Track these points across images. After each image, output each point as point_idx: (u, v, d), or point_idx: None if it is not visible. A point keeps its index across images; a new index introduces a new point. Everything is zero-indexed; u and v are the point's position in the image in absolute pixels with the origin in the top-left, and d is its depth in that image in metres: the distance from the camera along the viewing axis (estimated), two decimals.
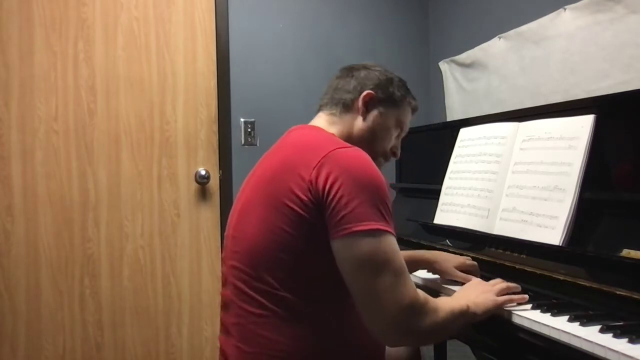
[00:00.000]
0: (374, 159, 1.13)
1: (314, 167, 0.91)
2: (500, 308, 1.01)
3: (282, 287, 0.94)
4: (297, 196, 0.91)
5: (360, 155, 0.95)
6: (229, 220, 1.10)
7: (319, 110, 1.17)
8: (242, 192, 1.09)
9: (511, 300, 1.02)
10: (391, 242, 0.90)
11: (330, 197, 0.89)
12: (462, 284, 1.16)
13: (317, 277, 0.95)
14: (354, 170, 0.91)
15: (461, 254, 1.37)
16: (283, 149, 1.04)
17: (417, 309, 0.88)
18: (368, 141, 1.13)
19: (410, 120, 1.22)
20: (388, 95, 1.15)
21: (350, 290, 0.91)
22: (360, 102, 1.12)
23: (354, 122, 1.13)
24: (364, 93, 1.13)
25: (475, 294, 1.02)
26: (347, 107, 1.13)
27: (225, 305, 1.04)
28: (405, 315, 0.87)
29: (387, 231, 0.89)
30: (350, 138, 1.11)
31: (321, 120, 1.15)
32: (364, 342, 1.00)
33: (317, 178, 0.90)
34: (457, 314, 0.94)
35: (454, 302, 0.97)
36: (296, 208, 0.91)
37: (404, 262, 0.90)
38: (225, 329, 1.03)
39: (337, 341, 0.97)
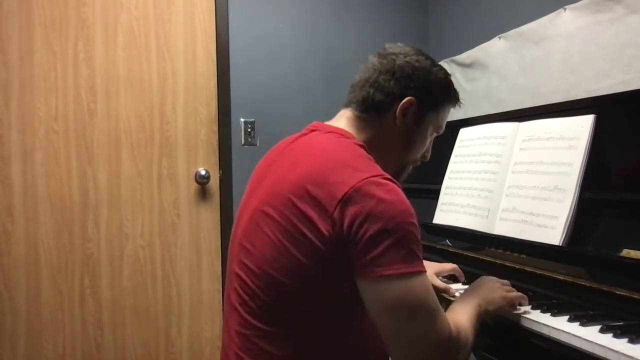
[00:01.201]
0: (405, 166, 1.08)
1: (340, 200, 0.83)
2: (510, 304, 1.01)
3: (287, 307, 0.91)
4: (317, 228, 0.85)
5: (392, 190, 0.86)
6: (236, 220, 1.04)
7: (346, 106, 1.05)
8: (251, 194, 1.01)
9: (519, 298, 1.02)
10: (423, 282, 0.85)
11: (358, 237, 0.82)
12: (468, 283, 1.16)
13: (324, 303, 0.91)
14: (386, 209, 0.83)
15: (461, 254, 1.38)
16: (303, 159, 0.94)
17: (453, 346, 0.86)
18: (402, 149, 1.05)
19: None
20: (431, 100, 1.03)
21: (379, 330, 0.87)
22: (398, 110, 1.00)
23: (387, 128, 1.02)
24: (405, 100, 1.00)
25: (484, 291, 1.02)
26: (381, 111, 1.01)
27: (230, 307, 1.00)
28: (441, 356, 0.85)
29: (418, 272, 0.84)
30: (381, 146, 1.01)
31: (349, 122, 1.03)
32: (372, 359, 0.98)
33: (342, 215, 0.83)
34: (475, 320, 0.94)
35: (469, 307, 0.96)
36: (314, 240, 0.85)
37: (436, 298, 0.87)
38: (228, 331, 1.00)
39: (344, 358, 0.95)
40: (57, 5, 2.09)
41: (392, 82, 1.00)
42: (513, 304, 1.02)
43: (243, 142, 2.37)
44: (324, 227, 0.84)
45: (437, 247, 1.50)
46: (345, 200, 0.83)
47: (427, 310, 0.84)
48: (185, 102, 2.28)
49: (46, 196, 2.08)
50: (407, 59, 1.02)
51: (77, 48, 2.13)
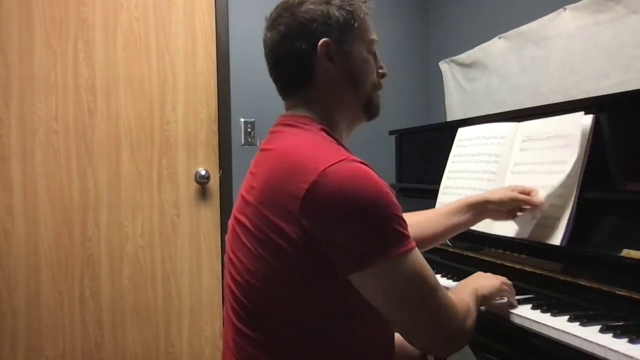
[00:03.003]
0: (370, 98, 1.00)
1: (302, 200, 0.79)
2: (503, 289, 1.02)
3: (277, 317, 0.88)
4: (286, 234, 0.81)
5: (352, 172, 0.80)
6: (228, 225, 1.02)
7: (286, 96, 1.01)
8: (236, 202, 0.99)
9: (512, 292, 1.04)
10: (415, 258, 0.82)
11: (330, 233, 0.79)
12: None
13: (308, 308, 0.87)
14: (352, 196, 0.78)
15: (461, 254, 1.37)
16: (270, 160, 0.91)
17: (460, 313, 0.86)
18: (355, 87, 0.97)
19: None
20: (341, 27, 0.94)
21: (388, 318, 0.86)
22: (321, 60, 0.93)
23: (327, 82, 0.95)
24: (319, 48, 0.92)
25: (475, 279, 1.03)
26: (309, 74, 0.94)
27: (226, 315, 0.99)
28: (455, 328, 0.85)
29: (406, 251, 0.80)
30: (335, 101, 0.96)
31: (300, 105, 0.97)
32: None
33: (307, 214, 0.79)
34: (474, 300, 0.94)
35: (467, 290, 0.97)
36: (286, 246, 0.82)
37: (433, 273, 0.85)
38: (226, 340, 1.00)
39: None
40: (57, 5, 2.10)
41: (295, 43, 0.93)
42: (505, 285, 1.03)
43: (243, 142, 2.37)
44: (292, 231, 0.81)
45: (437, 247, 1.49)
46: (307, 199, 0.79)
47: (427, 284, 0.82)
48: (185, 102, 2.28)
49: (46, 196, 2.08)
50: (290, 11, 0.94)
51: (77, 48, 2.13)
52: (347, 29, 0.94)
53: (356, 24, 0.95)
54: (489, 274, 1.06)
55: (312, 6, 0.93)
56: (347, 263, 0.81)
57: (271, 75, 1.01)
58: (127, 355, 2.19)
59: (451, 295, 0.88)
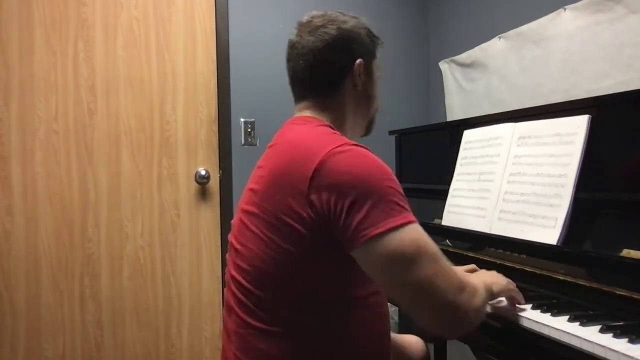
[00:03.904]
0: (373, 118, 1.14)
1: (310, 179, 0.85)
2: (511, 288, 1.01)
3: (283, 304, 0.91)
4: (297, 213, 0.86)
5: (356, 154, 0.88)
6: (232, 224, 1.06)
7: (301, 99, 1.07)
8: (242, 197, 1.03)
9: (518, 295, 1.02)
10: (415, 229, 0.84)
11: (337, 210, 0.83)
12: None
13: (318, 292, 0.91)
14: (355, 172, 0.85)
15: (462, 254, 1.37)
16: (277, 152, 0.98)
17: (466, 288, 0.84)
18: (368, 106, 1.10)
19: None
20: (369, 51, 1.08)
21: (392, 295, 0.87)
22: (355, 76, 1.04)
23: (349, 97, 1.05)
24: (356, 65, 1.04)
25: (488, 274, 1.02)
26: (338, 85, 1.04)
27: (227, 309, 1.01)
28: (458, 298, 0.82)
29: (408, 222, 0.83)
30: (349, 114, 1.06)
31: (311, 110, 1.05)
32: (367, 353, 0.97)
33: (317, 192, 0.85)
34: (485, 291, 0.91)
35: (478, 279, 0.94)
36: (297, 226, 0.86)
37: (435, 245, 0.85)
38: (227, 332, 1.02)
39: (339, 354, 0.94)
40: (57, 5, 2.10)
41: (336, 55, 1.03)
42: (515, 291, 1.02)
43: (243, 142, 2.37)
44: (303, 210, 0.86)
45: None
46: (315, 178, 0.85)
47: (428, 254, 0.82)
48: (185, 102, 2.28)
49: (46, 196, 2.08)
50: (337, 25, 1.04)
51: (77, 48, 2.13)
52: (372, 56, 1.09)
53: (376, 50, 1.10)
54: (493, 272, 1.05)
55: (355, 28, 1.06)
56: (349, 238, 0.83)
57: (295, 75, 1.07)
58: (127, 355, 2.19)
59: (461, 273, 0.87)
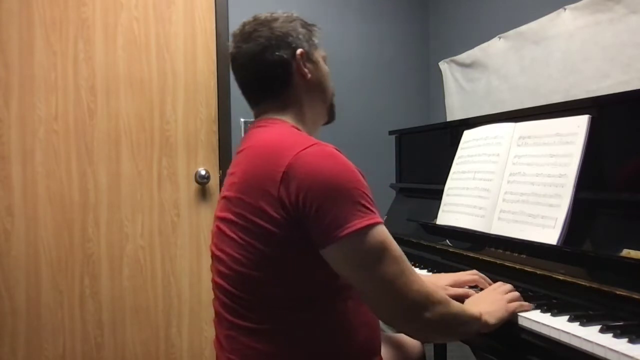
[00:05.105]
0: (332, 103, 1.15)
1: (280, 181, 0.87)
2: (512, 310, 0.99)
3: (268, 303, 0.93)
4: (269, 214, 0.88)
5: (324, 154, 0.89)
6: (212, 233, 1.07)
7: (257, 104, 1.09)
8: (218, 206, 1.05)
9: (522, 308, 1.00)
10: (381, 231, 0.87)
11: (307, 211, 0.86)
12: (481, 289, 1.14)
13: (301, 288, 0.93)
14: (323, 174, 0.86)
15: (461, 254, 1.37)
16: (247, 157, 0.98)
17: (427, 296, 0.87)
18: (322, 92, 1.11)
19: None
20: (307, 39, 1.09)
21: (357, 290, 0.89)
22: (299, 67, 1.05)
23: (302, 88, 1.07)
24: (297, 55, 1.05)
25: (487, 303, 1.00)
26: (287, 80, 1.05)
27: (217, 316, 1.03)
28: (415, 302, 0.86)
29: (374, 224, 0.86)
30: (307, 105, 1.08)
31: (272, 111, 1.07)
32: (358, 345, 0.98)
33: (286, 193, 0.87)
34: (469, 316, 0.93)
35: (467, 307, 0.96)
36: (270, 227, 0.89)
37: (399, 248, 0.89)
38: (218, 339, 1.03)
39: (330, 347, 0.95)
40: (57, 5, 2.10)
41: (276, 54, 1.04)
42: (517, 311, 0.99)
43: None
44: (275, 211, 0.88)
45: (437, 247, 1.50)
46: (285, 180, 0.87)
47: (392, 255, 0.86)
48: (185, 102, 2.28)
49: (46, 196, 2.08)
50: (267, 26, 1.06)
51: (77, 48, 2.13)
52: (311, 43, 1.10)
53: (315, 40, 1.11)
54: (498, 295, 1.02)
55: (284, 22, 1.07)
56: (318, 238, 0.87)
57: (245, 84, 1.10)
58: (127, 355, 2.19)
59: (430, 284, 0.90)
